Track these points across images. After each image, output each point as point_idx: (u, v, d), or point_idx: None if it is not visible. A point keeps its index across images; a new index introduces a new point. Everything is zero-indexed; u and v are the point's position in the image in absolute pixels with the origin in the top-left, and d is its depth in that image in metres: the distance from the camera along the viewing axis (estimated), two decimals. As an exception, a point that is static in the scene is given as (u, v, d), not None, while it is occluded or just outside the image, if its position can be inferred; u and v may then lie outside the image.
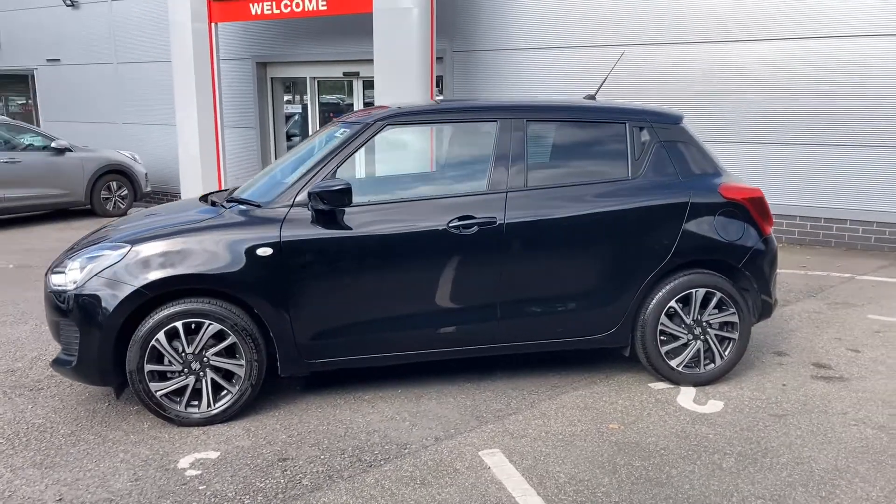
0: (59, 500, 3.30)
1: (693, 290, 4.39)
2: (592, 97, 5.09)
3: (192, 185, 11.47)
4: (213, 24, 11.42)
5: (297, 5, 10.58)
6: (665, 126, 4.51)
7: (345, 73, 12.04)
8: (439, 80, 11.12)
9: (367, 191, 4.26)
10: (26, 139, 11.87)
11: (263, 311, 3.97)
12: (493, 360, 4.86)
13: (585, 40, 9.83)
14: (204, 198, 4.72)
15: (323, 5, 10.36)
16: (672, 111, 4.65)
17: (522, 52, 10.37)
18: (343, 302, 4.08)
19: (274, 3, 10.76)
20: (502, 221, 4.15)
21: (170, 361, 3.93)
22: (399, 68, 9.50)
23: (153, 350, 3.89)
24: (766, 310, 4.63)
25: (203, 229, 4.00)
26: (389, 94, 9.58)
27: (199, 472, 3.53)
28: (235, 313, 3.95)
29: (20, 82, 17.04)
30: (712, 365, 4.50)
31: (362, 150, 4.21)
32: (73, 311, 3.89)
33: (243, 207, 4.16)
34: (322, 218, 4.03)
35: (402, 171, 4.57)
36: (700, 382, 4.50)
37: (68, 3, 14.94)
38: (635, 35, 9.51)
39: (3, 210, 11.37)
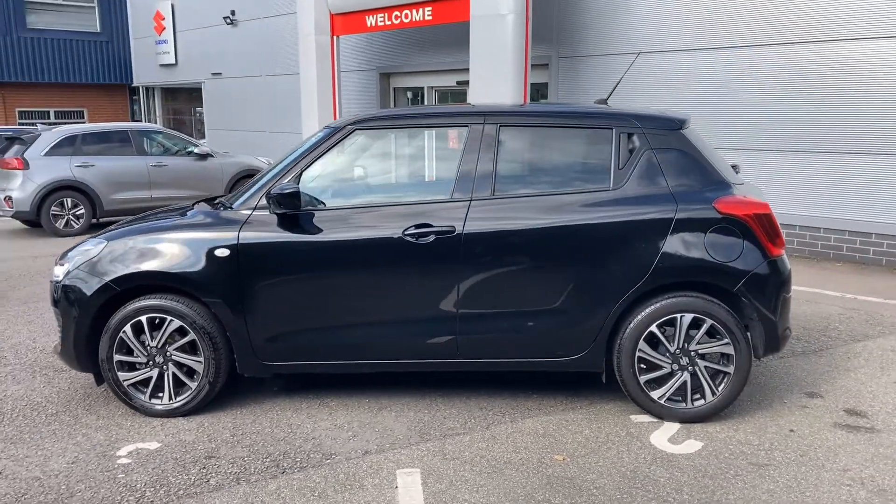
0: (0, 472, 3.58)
1: (678, 315, 3.92)
2: (604, 101, 4.72)
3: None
4: (334, 37, 11.96)
5: (406, 16, 10.80)
6: (659, 132, 4.07)
7: (458, 83, 12.09)
8: (543, 88, 10.85)
9: (333, 195, 4.22)
10: (175, 145, 13.06)
11: (219, 310, 4.07)
12: (479, 374, 4.63)
13: (704, 42, 9.11)
14: (212, 200, 4.91)
15: (428, 15, 10.49)
16: (673, 115, 4.19)
17: (632, 56, 9.82)
18: (297, 307, 4.08)
19: (386, 14, 11.06)
20: (461, 231, 3.95)
21: (137, 354, 4.13)
22: (494, 75, 9.39)
23: (122, 341, 4.11)
24: (772, 342, 4.03)
25: (172, 229, 4.17)
26: (484, 101, 9.50)
27: (130, 461, 3.68)
28: (196, 311, 4.08)
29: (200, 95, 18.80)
30: (702, 401, 4.00)
31: (333, 153, 4.20)
32: (61, 300, 4.21)
33: (219, 209, 4.28)
34: (283, 222, 4.06)
35: (371, 176, 4.50)
36: (688, 419, 4.01)
37: (228, 21, 16.28)
38: (769, 35, 8.70)
39: (150, 209, 12.57)
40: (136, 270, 4.07)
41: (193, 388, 4.15)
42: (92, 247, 4.24)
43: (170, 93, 20.51)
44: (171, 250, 4.08)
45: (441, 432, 3.96)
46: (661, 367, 3.98)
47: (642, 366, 3.99)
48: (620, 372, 4.02)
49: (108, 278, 4.08)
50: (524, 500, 3.26)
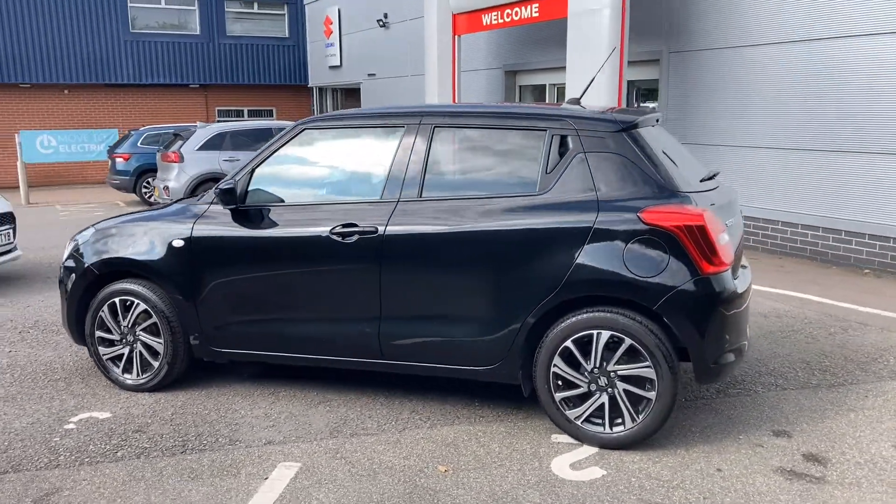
0: (-27, 425, 4.15)
1: (594, 332, 3.63)
2: (577, 101, 4.45)
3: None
4: (456, 37, 12.14)
5: (516, 14, 10.72)
6: (595, 134, 3.78)
7: (575, 80, 11.74)
8: (653, 84, 10.25)
9: (279, 192, 4.34)
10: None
11: (176, 297, 4.38)
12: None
13: (846, 30, 8.12)
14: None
15: (535, 12, 10.35)
16: (617, 116, 3.86)
17: (760, 48, 8.97)
18: (239, 298, 4.29)
19: (499, 13, 11.05)
20: (382, 232, 3.95)
21: (113, 332, 4.57)
22: (588, 73, 9.04)
23: (101, 319, 4.58)
24: (703, 370, 3.60)
25: (148, 220, 4.55)
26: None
27: (74, 427, 4.11)
28: (158, 296, 4.43)
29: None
30: (622, 427, 3.67)
31: (284, 152, 4.36)
32: (63, 279, 4.76)
33: (191, 204, 4.59)
34: (235, 216, 4.30)
35: (316, 175, 4.55)
36: (607, 445, 3.71)
37: (381, 24, 17.03)
38: None
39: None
40: (110, 257, 4.51)
41: (155, 368, 4.51)
42: (87, 233, 4.74)
43: (344, 93, 21.82)
44: (141, 240, 4.46)
45: (353, 431, 3.99)
46: (577, 386, 3.72)
47: (559, 382, 3.75)
48: (538, 387, 3.80)
49: (89, 262, 4.55)
50: (372, 507, 3.24)
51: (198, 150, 13.04)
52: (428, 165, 4.00)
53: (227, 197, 4.18)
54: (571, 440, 3.81)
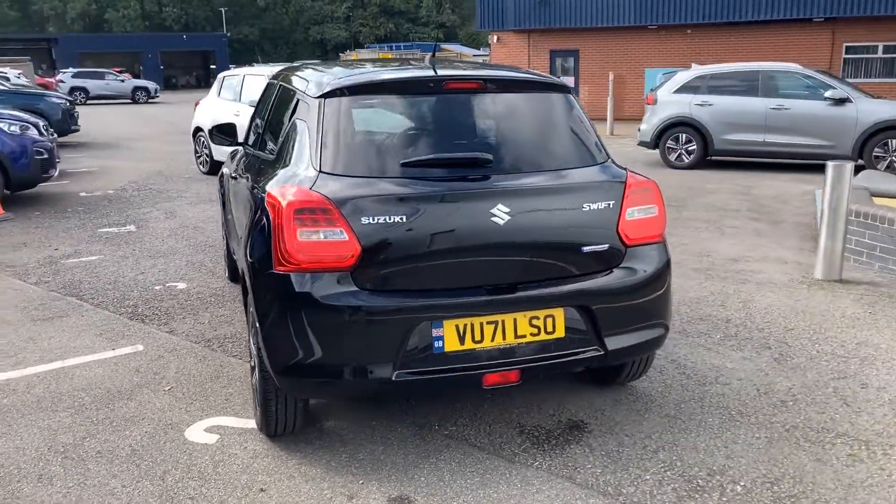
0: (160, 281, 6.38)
1: (256, 299, 3.50)
2: (433, 56, 3.79)
3: None
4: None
5: None
6: (305, 101, 3.45)
7: None
8: None
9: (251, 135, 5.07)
10: (813, 88, 11.88)
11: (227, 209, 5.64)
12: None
13: None
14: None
15: None
16: (331, 83, 3.31)
17: None
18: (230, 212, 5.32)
19: None
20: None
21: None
22: None
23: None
24: (276, 375, 3.08)
25: (233, 154, 5.83)
26: None
27: (160, 288, 5.91)
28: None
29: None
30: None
31: (263, 100, 5.05)
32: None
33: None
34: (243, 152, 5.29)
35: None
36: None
37: None
38: None
39: (761, 153, 12.24)
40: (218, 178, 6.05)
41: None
42: (234, 155, 6.33)
43: None
44: (228, 166, 5.82)
45: (222, 345, 4.69)
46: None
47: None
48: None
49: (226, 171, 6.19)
50: (69, 401, 4.10)
51: (674, 93, 12.79)
52: (270, 115, 4.27)
53: (209, 135, 5.21)
54: (267, 410, 3.75)
